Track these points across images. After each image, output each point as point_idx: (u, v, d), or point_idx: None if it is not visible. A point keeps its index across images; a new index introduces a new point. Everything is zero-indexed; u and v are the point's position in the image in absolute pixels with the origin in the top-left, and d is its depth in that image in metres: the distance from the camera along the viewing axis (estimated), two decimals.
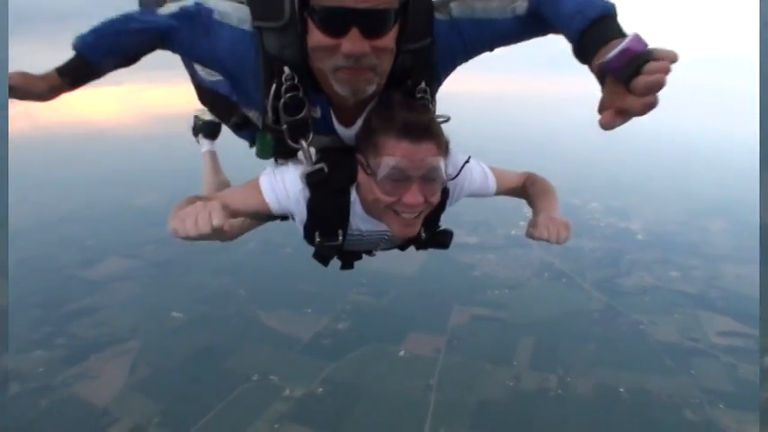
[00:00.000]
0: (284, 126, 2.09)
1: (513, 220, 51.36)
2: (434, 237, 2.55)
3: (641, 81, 1.43)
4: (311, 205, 2.23)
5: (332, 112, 2.16)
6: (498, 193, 2.66)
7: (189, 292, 43.71)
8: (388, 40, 1.83)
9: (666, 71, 1.43)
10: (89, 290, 45.24)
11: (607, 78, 1.60)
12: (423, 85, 2.15)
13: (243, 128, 2.53)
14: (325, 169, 2.15)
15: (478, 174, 2.54)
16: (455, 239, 2.57)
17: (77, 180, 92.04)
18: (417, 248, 2.71)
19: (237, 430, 29.13)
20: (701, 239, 55.82)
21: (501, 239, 53.42)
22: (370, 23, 1.75)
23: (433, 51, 2.10)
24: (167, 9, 2.04)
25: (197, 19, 2.01)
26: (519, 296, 43.37)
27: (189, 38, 2.04)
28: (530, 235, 2.26)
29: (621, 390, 32.29)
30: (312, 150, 2.21)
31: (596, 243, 54.27)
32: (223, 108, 2.61)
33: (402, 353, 35.87)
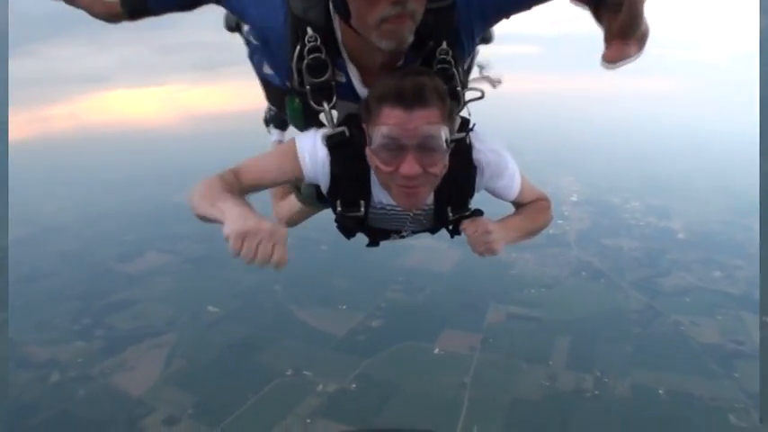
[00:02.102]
0: (307, 87, 2.10)
1: None
2: (464, 219, 2.43)
3: None
4: (332, 169, 2.22)
5: (355, 73, 2.17)
6: (513, 201, 2.58)
7: (225, 286, 44.30)
8: None
9: None
10: (127, 283, 46.58)
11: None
12: (444, 45, 2.09)
13: None
14: (347, 132, 2.15)
15: (511, 171, 2.42)
16: None
17: (117, 177, 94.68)
18: (452, 236, 2.61)
19: (270, 424, 29.37)
20: (746, 239, 53.80)
21: (538, 238, 50.40)
22: None
23: (454, 12, 2.04)
24: None
25: None
26: (556, 295, 42.64)
27: None
28: (464, 225, 2.32)
29: (661, 391, 31.28)
30: (335, 114, 2.20)
31: (635, 242, 53.17)
32: (278, 99, 2.57)
33: (437, 350, 35.63)
